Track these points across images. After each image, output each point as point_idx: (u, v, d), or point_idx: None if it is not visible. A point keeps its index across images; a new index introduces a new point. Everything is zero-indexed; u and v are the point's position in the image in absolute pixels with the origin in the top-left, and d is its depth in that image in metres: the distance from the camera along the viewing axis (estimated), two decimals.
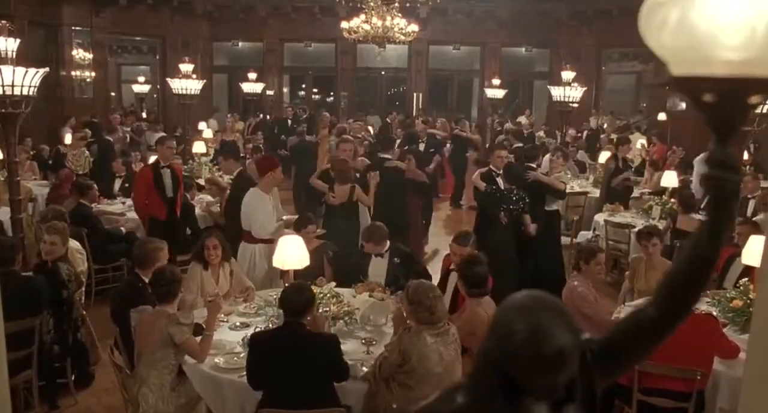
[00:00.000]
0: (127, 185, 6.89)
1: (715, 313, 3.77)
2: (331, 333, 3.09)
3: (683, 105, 12.59)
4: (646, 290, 4.42)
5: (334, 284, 3.97)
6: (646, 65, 15.01)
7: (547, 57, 15.29)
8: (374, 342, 3.41)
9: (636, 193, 7.53)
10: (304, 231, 4.44)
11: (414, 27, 10.71)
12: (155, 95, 14.87)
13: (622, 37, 13.57)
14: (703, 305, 3.95)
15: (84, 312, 4.35)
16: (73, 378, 4.09)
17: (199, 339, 3.18)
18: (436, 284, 3.67)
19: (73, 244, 4.72)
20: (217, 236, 4.16)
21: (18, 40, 4.98)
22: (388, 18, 10.26)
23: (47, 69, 4.89)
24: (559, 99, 8.68)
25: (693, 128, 11.94)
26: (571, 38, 14.25)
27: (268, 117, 13.46)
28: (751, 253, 3.86)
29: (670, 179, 6.49)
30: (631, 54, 15.34)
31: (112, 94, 14.83)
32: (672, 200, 6.16)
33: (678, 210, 5.74)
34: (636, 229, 5.87)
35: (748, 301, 3.74)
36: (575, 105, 8.90)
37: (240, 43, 15.55)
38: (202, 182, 7.34)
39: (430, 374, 2.94)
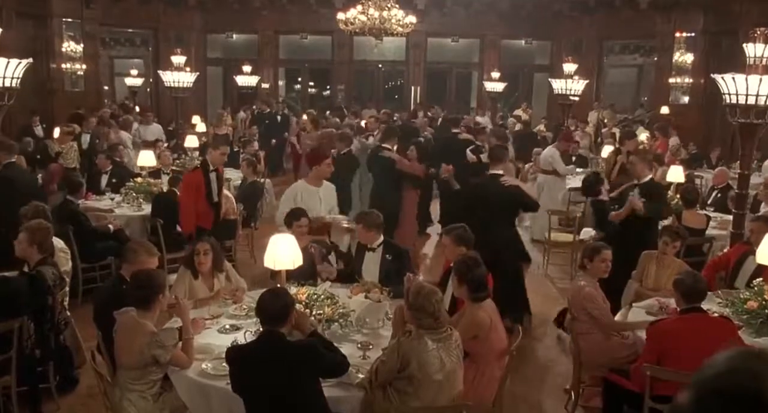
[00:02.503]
0: (114, 180, 6.66)
1: (726, 314, 3.61)
2: (309, 339, 2.86)
3: (686, 99, 12.44)
4: (654, 289, 4.27)
5: (329, 284, 3.82)
6: (647, 58, 14.83)
7: (548, 49, 15.10)
8: (371, 347, 3.24)
9: None
10: (296, 224, 4.29)
11: (412, 18, 10.53)
12: (148, 89, 14.64)
13: (625, 29, 13.51)
14: (714, 306, 3.79)
15: (69, 314, 4.17)
16: (56, 382, 3.91)
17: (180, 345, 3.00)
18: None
19: (57, 243, 4.52)
20: (210, 241, 3.95)
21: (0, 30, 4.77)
22: (386, 9, 10.06)
23: (30, 60, 4.74)
24: (560, 92, 8.54)
25: (695, 121, 11.82)
26: (571, 30, 14.06)
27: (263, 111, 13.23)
28: (765, 252, 3.69)
29: (676, 173, 6.29)
30: (632, 46, 15.17)
31: (105, 87, 14.60)
32: (678, 195, 5.98)
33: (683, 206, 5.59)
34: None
35: (764, 302, 3.57)
36: (576, 98, 8.76)
37: (234, 36, 15.32)
38: None
39: (429, 381, 2.79)
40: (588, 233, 6.31)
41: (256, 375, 2.67)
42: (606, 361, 3.64)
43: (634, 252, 4.46)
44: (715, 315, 3.51)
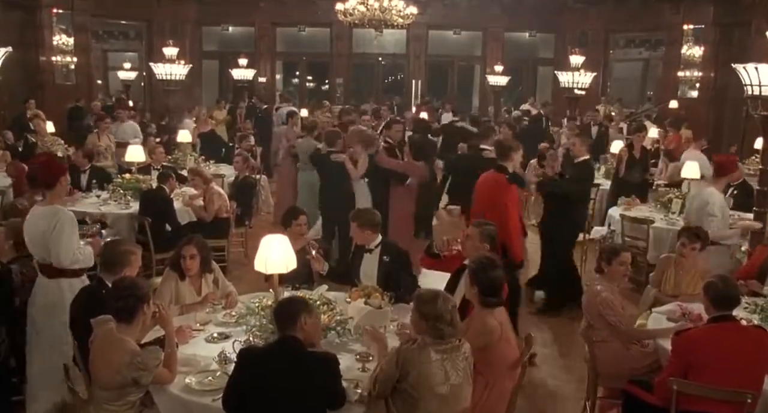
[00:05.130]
0: (95, 180, 6.33)
1: (756, 322, 3.35)
2: (329, 352, 2.69)
3: (694, 93, 12.17)
4: (674, 294, 4.01)
5: (326, 287, 3.56)
6: (653, 52, 14.56)
7: (552, 42, 14.83)
8: (371, 358, 2.99)
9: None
10: (295, 223, 4.07)
11: (412, 9, 10.30)
12: (142, 83, 14.35)
13: (632, 21, 13.22)
14: (741, 312, 3.51)
15: None
16: None
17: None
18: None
19: None
20: (196, 243, 3.65)
21: None
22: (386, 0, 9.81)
23: (10, 49, 4.52)
24: (567, 85, 8.29)
25: (705, 115, 11.56)
26: (577, 22, 13.81)
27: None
28: None
29: (691, 169, 6.00)
30: (637, 40, 14.91)
31: (99, 81, 14.32)
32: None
33: None
34: (654, 224, 5.48)
35: None
36: (583, 92, 8.52)
37: (230, 28, 15.08)
38: (185, 173, 6.86)
39: (431, 394, 2.57)
40: (599, 232, 6.07)
41: (268, 382, 2.47)
42: (625, 372, 3.39)
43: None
44: (743, 321, 3.25)
